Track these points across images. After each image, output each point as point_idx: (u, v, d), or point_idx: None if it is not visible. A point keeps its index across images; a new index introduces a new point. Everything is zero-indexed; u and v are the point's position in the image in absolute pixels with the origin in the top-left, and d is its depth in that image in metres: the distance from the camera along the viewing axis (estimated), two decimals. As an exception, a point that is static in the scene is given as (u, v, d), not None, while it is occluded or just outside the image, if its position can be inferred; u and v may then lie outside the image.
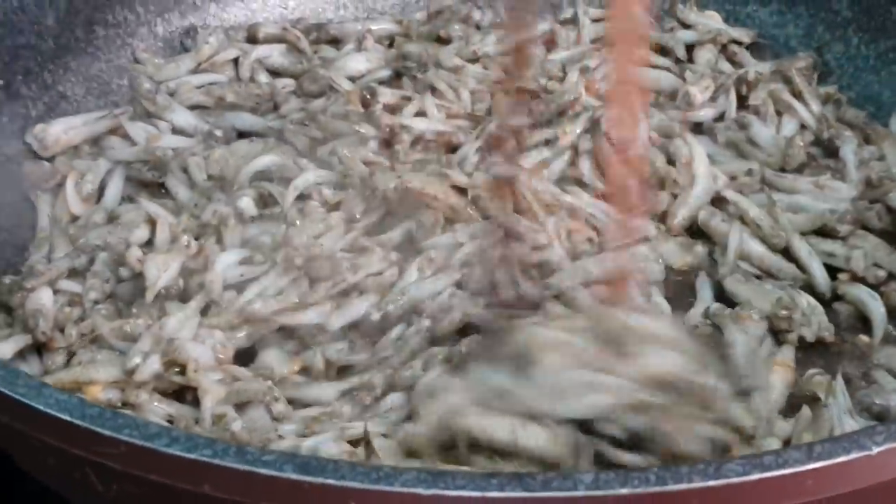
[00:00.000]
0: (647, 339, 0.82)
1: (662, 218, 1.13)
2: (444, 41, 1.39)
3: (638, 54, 0.89)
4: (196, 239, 1.05)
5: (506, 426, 0.77)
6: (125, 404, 0.91)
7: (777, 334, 1.00)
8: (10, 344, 0.96)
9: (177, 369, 0.92)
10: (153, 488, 0.66)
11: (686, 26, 1.44)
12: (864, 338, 1.02)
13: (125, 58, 1.33)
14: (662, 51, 1.38)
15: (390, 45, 1.41)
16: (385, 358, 0.96)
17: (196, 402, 0.91)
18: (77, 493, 0.80)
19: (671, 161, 1.18)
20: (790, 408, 0.93)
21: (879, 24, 1.35)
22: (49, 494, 0.83)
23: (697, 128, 1.26)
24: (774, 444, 0.87)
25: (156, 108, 1.24)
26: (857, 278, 1.06)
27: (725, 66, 1.37)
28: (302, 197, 1.10)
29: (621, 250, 0.93)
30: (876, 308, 1.02)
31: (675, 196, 1.15)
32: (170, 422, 0.90)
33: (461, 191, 1.10)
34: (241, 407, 0.91)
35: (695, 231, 1.13)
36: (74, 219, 1.14)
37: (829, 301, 1.05)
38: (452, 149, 1.20)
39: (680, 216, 1.13)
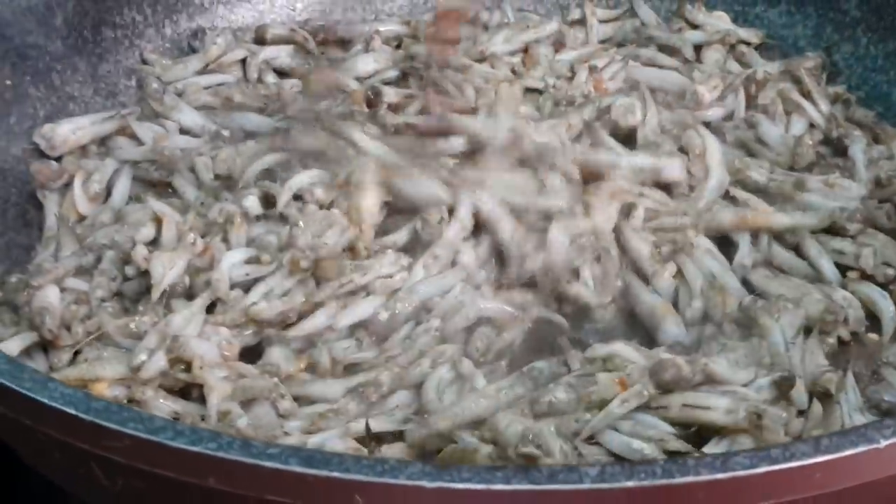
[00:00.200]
0: None
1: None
2: (451, 42, 1.39)
3: None
4: (202, 237, 1.04)
5: None
6: (131, 401, 0.91)
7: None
8: (16, 341, 0.96)
9: (182, 366, 0.92)
10: (158, 482, 0.66)
11: (694, 27, 1.44)
12: (873, 335, 1.02)
13: (133, 59, 1.34)
14: (670, 51, 1.38)
15: (398, 47, 1.41)
16: (392, 356, 0.96)
17: (202, 400, 0.91)
18: (83, 488, 0.80)
19: (684, 150, 1.17)
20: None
21: (888, 24, 1.35)
22: (54, 490, 0.83)
23: (706, 127, 1.25)
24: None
25: (163, 109, 1.23)
26: (866, 276, 1.05)
27: (734, 67, 1.37)
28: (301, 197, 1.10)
29: None
30: (885, 306, 1.02)
31: (691, 189, 1.14)
32: (175, 419, 0.89)
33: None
34: (246, 404, 0.91)
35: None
36: (82, 218, 1.14)
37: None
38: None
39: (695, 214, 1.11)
